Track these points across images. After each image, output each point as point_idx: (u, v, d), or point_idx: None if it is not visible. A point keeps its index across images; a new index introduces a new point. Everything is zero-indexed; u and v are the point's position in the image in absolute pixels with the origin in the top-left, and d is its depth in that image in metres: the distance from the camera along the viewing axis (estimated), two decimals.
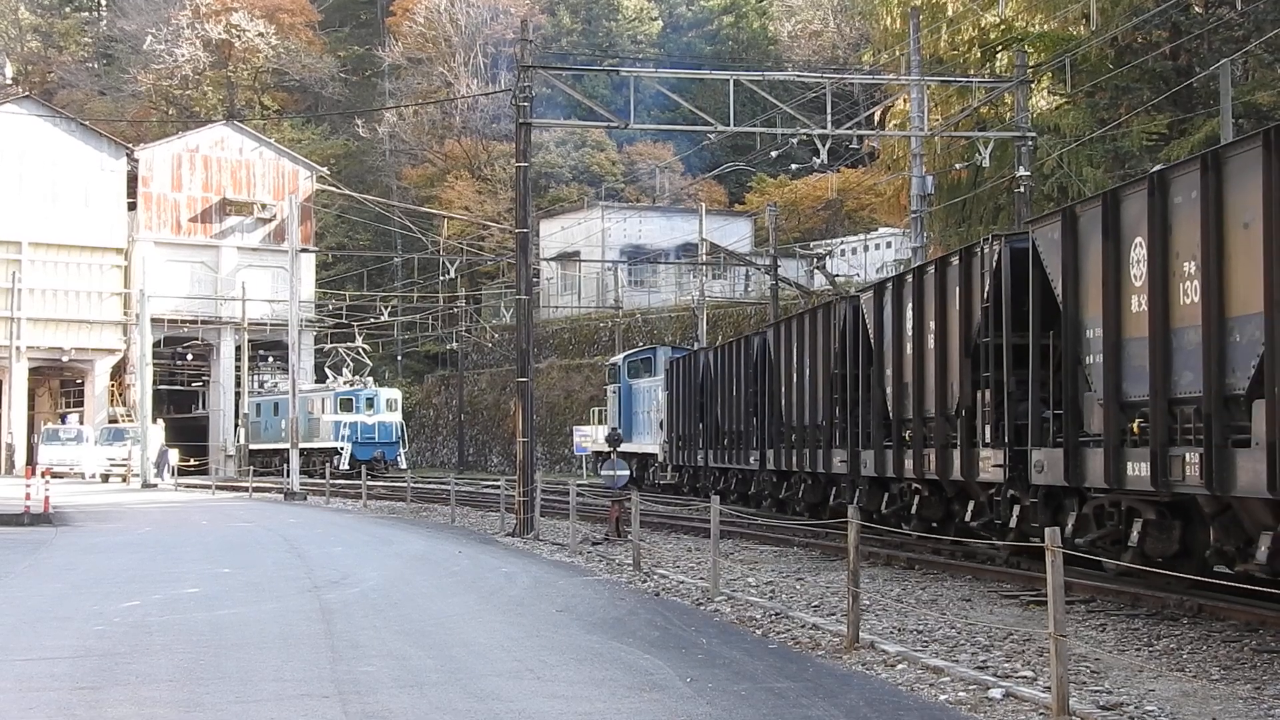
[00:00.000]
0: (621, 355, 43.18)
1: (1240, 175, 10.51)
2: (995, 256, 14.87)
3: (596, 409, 46.90)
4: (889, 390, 18.06)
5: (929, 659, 9.83)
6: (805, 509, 23.29)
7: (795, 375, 23.08)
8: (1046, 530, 8.26)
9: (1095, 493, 13.05)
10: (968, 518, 16.29)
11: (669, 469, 36.06)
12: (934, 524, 17.52)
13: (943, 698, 8.66)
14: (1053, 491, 13.95)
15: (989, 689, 8.75)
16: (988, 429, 15.08)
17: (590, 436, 45.93)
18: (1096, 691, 8.77)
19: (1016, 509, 14.78)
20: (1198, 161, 11.07)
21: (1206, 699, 8.59)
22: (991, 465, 14.94)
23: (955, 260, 16.05)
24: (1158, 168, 12.32)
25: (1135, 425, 12.02)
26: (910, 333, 17.30)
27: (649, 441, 38.17)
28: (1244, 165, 10.45)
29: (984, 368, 15.11)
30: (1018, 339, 14.40)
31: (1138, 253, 11.83)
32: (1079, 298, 12.91)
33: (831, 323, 21.27)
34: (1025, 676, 9.25)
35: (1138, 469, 11.86)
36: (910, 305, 17.30)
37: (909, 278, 17.74)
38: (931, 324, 16.54)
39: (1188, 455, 11.08)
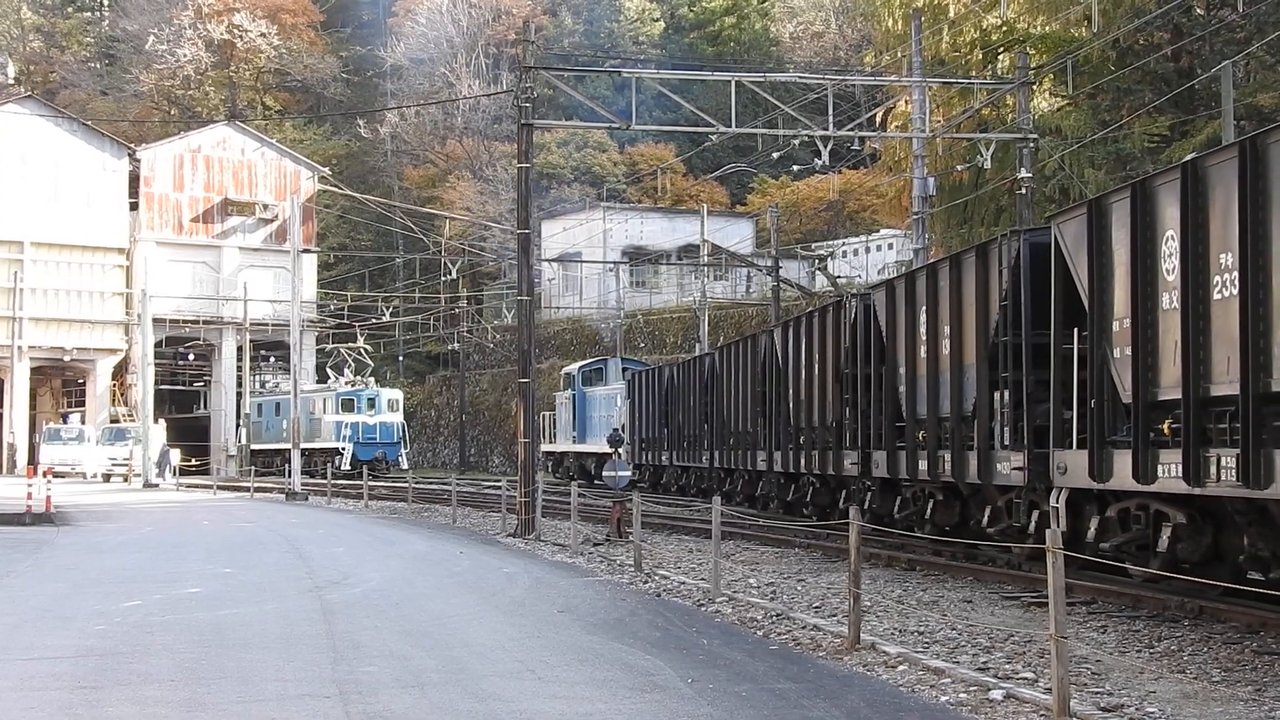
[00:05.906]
0: (576, 365, 46.63)
1: (967, 271, 15.49)
2: (853, 311, 19.98)
3: (546, 413, 46.89)
4: (791, 405, 23.02)
5: (930, 660, 9.84)
6: (744, 499, 27.86)
7: (733, 390, 28.08)
8: (1047, 532, 8.30)
9: (906, 482, 17.84)
10: (840, 503, 20.68)
11: (631, 467, 37.93)
12: (826, 509, 21.75)
13: (944, 699, 8.67)
14: (887, 482, 18.64)
15: (990, 690, 8.76)
16: (848, 435, 20.06)
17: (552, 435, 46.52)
18: (1097, 693, 8.78)
19: (869, 495, 19.42)
20: (948, 261, 16.23)
21: (1207, 700, 8.60)
22: (850, 463, 19.88)
23: (831, 310, 21.22)
24: (933, 260, 19.02)
25: (921, 435, 16.82)
26: (804, 361, 22.34)
27: (604, 443, 39.29)
28: (970, 264, 15.42)
29: (847, 390, 20.07)
30: (868, 370, 19.09)
31: (923, 316, 16.80)
32: (895, 343, 17.81)
33: (756, 350, 26.24)
34: (1026, 678, 9.26)
35: (922, 464, 16.71)
36: (804, 340, 22.39)
37: (803, 320, 22.83)
38: (816, 355, 21.70)
39: (946, 455, 15.96)
